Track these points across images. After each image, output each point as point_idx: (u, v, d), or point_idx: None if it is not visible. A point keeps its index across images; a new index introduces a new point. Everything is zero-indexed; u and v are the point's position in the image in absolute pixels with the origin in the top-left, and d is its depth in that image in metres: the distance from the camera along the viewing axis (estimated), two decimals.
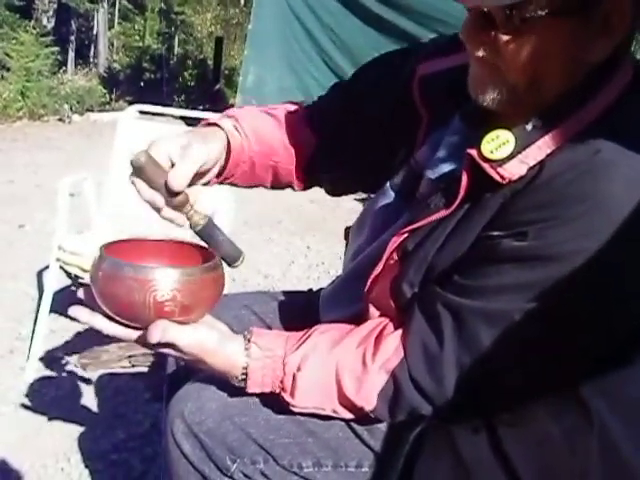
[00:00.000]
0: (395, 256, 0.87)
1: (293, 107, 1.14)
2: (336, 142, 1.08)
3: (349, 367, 0.85)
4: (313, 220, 4.35)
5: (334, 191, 1.19)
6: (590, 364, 0.78)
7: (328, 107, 1.12)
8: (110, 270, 0.79)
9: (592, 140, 0.73)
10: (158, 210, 0.86)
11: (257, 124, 1.04)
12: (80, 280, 2.36)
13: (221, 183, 1.03)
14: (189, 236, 0.91)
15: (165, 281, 0.78)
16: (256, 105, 1.13)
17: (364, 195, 2.30)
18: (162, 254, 0.92)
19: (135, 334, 0.82)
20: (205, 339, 0.84)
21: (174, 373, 1.17)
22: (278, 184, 1.12)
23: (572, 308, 0.75)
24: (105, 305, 0.81)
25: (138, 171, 0.83)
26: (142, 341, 0.82)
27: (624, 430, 0.70)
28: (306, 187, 1.15)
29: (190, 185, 0.86)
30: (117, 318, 0.81)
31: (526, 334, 0.77)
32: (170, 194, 0.83)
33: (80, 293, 0.84)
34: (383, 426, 0.91)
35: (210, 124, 0.99)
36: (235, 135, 1.00)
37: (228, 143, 0.97)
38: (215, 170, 0.96)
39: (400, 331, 0.87)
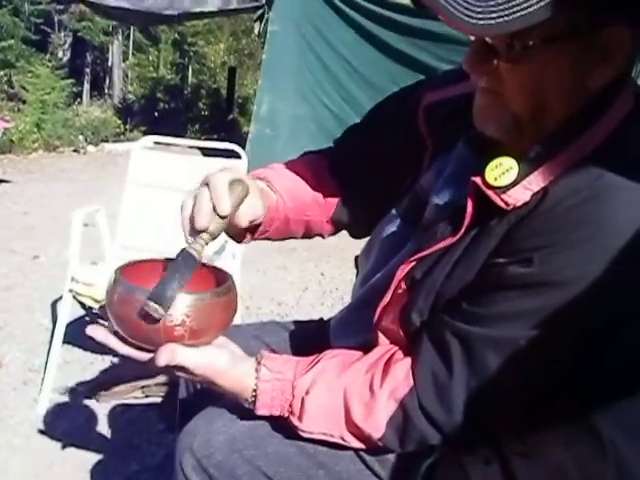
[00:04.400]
0: (403, 285, 0.87)
1: (315, 159, 1.17)
2: (358, 187, 1.11)
3: (357, 393, 0.85)
4: (327, 247, 4.33)
5: (357, 233, 1.20)
6: (601, 390, 0.77)
7: (346, 154, 1.14)
8: (123, 294, 0.80)
9: (594, 166, 0.73)
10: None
11: (287, 182, 1.08)
12: (94, 311, 2.37)
13: (256, 239, 1.04)
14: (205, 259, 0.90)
15: (174, 306, 0.78)
16: (278, 162, 1.15)
17: None
18: None
19: (148, 356, 0.83)
20: (214, 360, 0.84)
21: (186, 402, 1.17)
22: (308, 235, 1.15)
23: (579, 333, 0.75)
24: (119, 327, 0.81)
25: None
26: (153, 364, 0.82)
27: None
28: (333, 234, 1.18)
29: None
30: (131, 340, 0.82)
31: (534, 360, 0.77)
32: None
33: (89, 330, 0.84)
34: (394, 457, 0.90)
35: None
36: (271, 195, 1.03)
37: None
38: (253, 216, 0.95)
39: (409, 358, 0.86)
